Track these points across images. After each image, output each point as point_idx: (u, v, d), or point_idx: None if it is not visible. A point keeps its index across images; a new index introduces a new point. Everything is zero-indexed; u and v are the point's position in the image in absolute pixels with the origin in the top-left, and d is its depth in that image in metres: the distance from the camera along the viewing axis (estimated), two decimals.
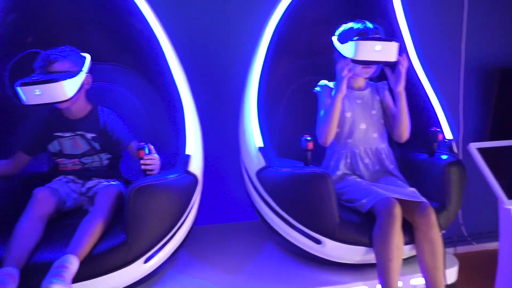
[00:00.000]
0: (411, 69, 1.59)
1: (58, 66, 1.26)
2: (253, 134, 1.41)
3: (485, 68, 2.29)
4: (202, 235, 1.60)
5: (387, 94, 1.51)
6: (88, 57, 1.35)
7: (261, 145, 1.38)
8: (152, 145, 1.25)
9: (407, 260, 1.30)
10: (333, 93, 1.39)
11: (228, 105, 1.76)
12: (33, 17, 1.43)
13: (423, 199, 1.22)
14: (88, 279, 1.07)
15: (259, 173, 1.35)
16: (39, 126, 1.37)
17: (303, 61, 1.77)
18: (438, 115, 1.51)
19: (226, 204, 1.89)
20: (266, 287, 1.24)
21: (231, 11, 1.82)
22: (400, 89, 1.40)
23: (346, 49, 1.36)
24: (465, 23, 2.18)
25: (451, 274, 1.31)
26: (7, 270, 0.98)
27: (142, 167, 1.20)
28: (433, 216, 1.17)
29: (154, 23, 1.46)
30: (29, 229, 1.09)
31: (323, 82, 1.52)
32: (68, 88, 1.20)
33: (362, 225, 1.22)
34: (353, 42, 1.31)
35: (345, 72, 1.35)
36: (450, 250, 2.31)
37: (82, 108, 1.38)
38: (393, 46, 1.30)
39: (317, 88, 1.52)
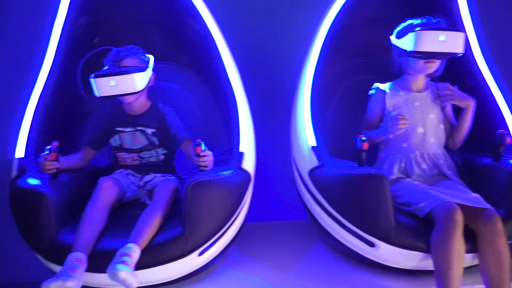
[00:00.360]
0: (475, 68, 1.51)
1: (128, 62, 1.35)
2: (305, 133, 1.41)
3: None
4: (251, 231, 1.62)
5: (450, 107, 1.44)
6: (152, 57, 1.42)
7: (314, 144, 1.37)
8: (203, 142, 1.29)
9: (467, 269, 1.23)
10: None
11: (280, 104, 1.77)
12: (99, 20, 1.53)
13: (488, 206, 1.15)
14: (147, 268, 1.12)
15: (311, 172, 1.34)
16: (102, 121, 1.46)
17: (357, 60, 1.74)
18: (505, 116, 1.41)
19: (275, 202, 1.90)
20: (315, 287, 1.23)
21: (284, 11, 1.84)
22: (467, 105, 1.36)
23: (406, 42, 1.31)
24: None
25: None
26: (76, 255, 1.06)
27: (198, 163, 1.24)
28: (499, 224, 1.10)
29: (211, 24, 1.50)
30: (95, 216, 1.17)
31: (377, 85, 1.48)
32: (138, 81, 1.28)
33: (420, 230, 1.18)
34: (414, 32, 1.26)
35: (395, 128, 1.30)
36: None
37: (143, 104, 1.46)
38: (460, 36, 1.23)
39: (372, 91, 1.49)
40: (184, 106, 1.65)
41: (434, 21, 1.34)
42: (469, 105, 1.36)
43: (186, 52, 1.65)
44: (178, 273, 1.18)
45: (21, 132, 1.34)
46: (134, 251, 1.06)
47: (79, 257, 1.05)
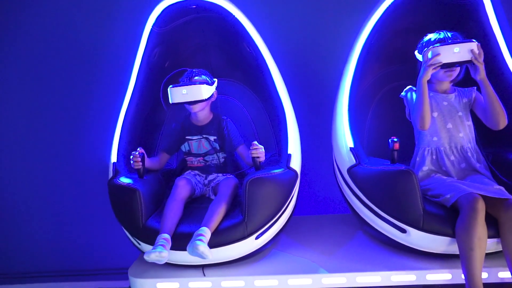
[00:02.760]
0: (505, 68, 1.62)
1: (197, 79, 1.67)
2: (345, 136, 1.62)
3: None
4: (299, 223, 1.86)
5: (476, 93, 1.58)
6: (216, 79, 1.73)
7: (352, 145, 1.59)
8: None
9: (495, 254, 1.38)
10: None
11: (322, 109, 1.99)
12: (169, 48, 1.85)
13: (509, 196, 1.30)
14: (215, 248, 1.40)
15: (349, 170, 1.56)
16: (175, 132, 1.79)
17: (393, 68, 1.90)
18: None
19: (320, 198, 2.12)
20: (356, 267, 1.43)
21: (326, 22, 2.05)
22: (481, 77, 1.43)
23: (426, 57, 1.48)
24: None
25: None
26: (164, 236, 1.37)
27: (252, 154, 1.50)
28: None
29: (261, 45, 1.76)
30: (175, 208, 1.48)
31: (409, 87, 1.66)
32: (204, 92, 1.60)
33: (447, 218, 1.35)
34: (430, 49, 1.44)
35: (429, 63, 1.44)
36: None
37: (207, 116, 1.76)
38: (472, 46, 1.39)
39: (403, 93, 1.66)
40: (239, 116, 1.93)
41: (450, 34, 1.51)
42: (483, 78, 1.43)
43: (240, 70, 1.93)
44: (239, 253, 1.45)
45: (114, 141, 1.70)
46: (207, 233, 1.35)
47: (166, 237, 1.36)
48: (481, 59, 1.41)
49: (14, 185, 2.29)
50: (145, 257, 1.31)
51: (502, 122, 1.47)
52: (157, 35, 1.77)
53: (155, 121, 1.91)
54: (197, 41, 1.93)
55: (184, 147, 1.79)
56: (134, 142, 1.74)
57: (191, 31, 1.86)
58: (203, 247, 1.28)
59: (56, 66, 2.17)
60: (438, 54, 1.42)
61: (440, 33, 1.54)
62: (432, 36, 1.56)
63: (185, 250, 1.37)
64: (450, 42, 1.44)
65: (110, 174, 1.61)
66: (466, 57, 1.40)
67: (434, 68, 1.45)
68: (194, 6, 1.75)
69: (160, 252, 1.29)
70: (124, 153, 1.69)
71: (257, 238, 1.45)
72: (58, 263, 2.34)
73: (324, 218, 1.95)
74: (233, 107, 1.97)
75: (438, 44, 1.45)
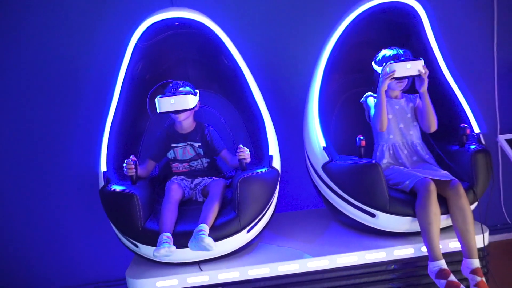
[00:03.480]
0: (442, 77, 1.95)
1: (182, 90, 1.81)
2: (317, 136, 1.84)
3: None
4: (279, 220, 2.02)
5: (418, 100, 1.90)
6: (198, 91, 1.87)
7: (324, 145, 1.81)
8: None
9: (445, 229, 1.66)
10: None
11: (294, 114, 2.20)
12: (151, 61, 1.96)
13: (453, 178, 1.60)
14: None
15: (324, 166, 1.77)
16: (161, 139, 1.90)
17: (352, 76, 2.17)
18: (468, 115, 1.85)
19: (295, 195, 2.33)
20: (335, 251, 1.63)
21: (296, 36, 2.31)
22: (424, 89, 1.76)
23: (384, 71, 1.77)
24: (496, 26, 2.46)
25: (481, 240, 1.63)
26: (166, 234, 1.48)
27: (239, 156, 1.66)
28: (461, 189, 1.55)
29: (238, 57, 1.93)
30: (171, 209, 1.59)
31: (369, 93, 1.93)
32: (190, 101, 1.73)
33: (407, 201, 1.61)
34: (388, 65, 1.74)
35: (386, 76, 1.75)
36: (492, 238, 2.54)
37: (190, 124, 1.90)
38: (419, 63, 1.71)
39: (362, 98, 1.94)
40: (216, 124, 2.08)
41: (401, 51, 1.82)
42: (425, 91, 1.77)
43: (217, 81, 2.09)
44: (234, 246, 1.60)
45: (102, 151, 1.77)
46: (206, 228, 1.48)
47: (168, 235, 1.47)
48: (427, 75, 1.73)
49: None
50: (155, 253, 1.41)
51: (433, 127, 1.81)
52: (141, 49, 1.88)
53: (138, 130, 2.00)
54: (176, 55, 2.06)
55: (170, 154, 1.90)
56: (120, 151, 1.82)
57: (171, 46, 1.99)
58: (208, 239, 1.42)
59: (45, 78, 2.20)
60: (394, 71, 1.73)
61: (393, 49, 1.85)
62: (387, 52, 1.86)
63: (184, 247, 1.50)
64: (403, 60, 1.76)
65: (102, 183, 1.68)
66: (416, 72, 1.73)
67: (390, 80, 1.75)
68: (176, 23, 1.88)
69: (169, 247, 1.41)
70: (113, 162, 1.77)
71: (248, 231, 1.61)
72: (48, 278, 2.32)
73: (300, 214, 2.16)
74: (211, 116, 2.12)
75: (393, 61, 1.74)
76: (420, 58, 1.74)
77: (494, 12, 2.44)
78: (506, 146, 1.99)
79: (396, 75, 1.73)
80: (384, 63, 1.78)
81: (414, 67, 1.72)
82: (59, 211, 2.29)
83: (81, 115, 2.21)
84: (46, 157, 2.24)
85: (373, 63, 1.91)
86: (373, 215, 1.65)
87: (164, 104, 1.71)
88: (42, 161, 2.24)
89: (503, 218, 2.60)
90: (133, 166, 1.63)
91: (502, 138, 1.98)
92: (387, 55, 1.85)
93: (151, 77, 2.00)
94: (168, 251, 1.41)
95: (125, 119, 1.87)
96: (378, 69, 1.86)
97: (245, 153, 1.66)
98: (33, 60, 2.18)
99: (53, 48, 2.17)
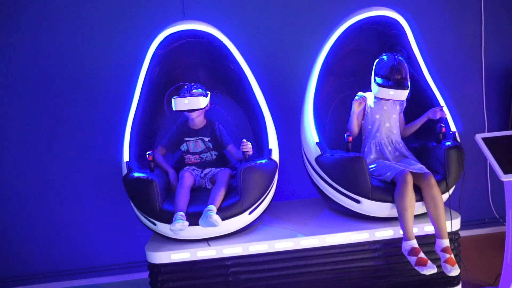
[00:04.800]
0: (423, 82, 2.19)
1: (195, 92, 2.06)
2: (311, 133, 2.10)
3: (504, 69, 2.77)
4: (277, 207, 2.29)
5: (402, 113, 2.18)
6: (209, 92, 2.13)
7: (318, 140, 2.07)
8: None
9: (421, 216, 1.91)
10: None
11: (292, 112, 2.46)
12: (167, 66, 2.24)
13: (427, 170, 1.85)
14: None
15: (317, 159, 2.03)
16: (176, 133, 2.18)
17: (345, 80, 2.43)
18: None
19: (291, 186, 2.60)
20: (324, 231, 1.87)
21: (294, 42, 2.59)
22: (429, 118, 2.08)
23: (373, 86, 2.06)
24: (483, 31, 2.68)
25: (455, 224, 1.88)
26: (180, 213, 1.75)
27: (243, 149, 1.92)
28: (432, 180, 1.79)
29: (242, 62, 2.19)
30: (184, 193, 1.87)
31: (360, 93, 2.15)
32: (202, 102, 2.00)
33: (388, 189, 1.86)
34: (376, 87, 2.01)
35: (356, 108, 2.08)
36: (483, 230, 2.77)
37: (202, 121, 2.17)
38: (405, 93, 1.98)
39: (356, 98, 2.16)
40: (223, 121, 2.34)
41: (401, 59, 2.03)
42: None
43: (224, 83, 2.36)
44: (237, 225, 1.86)
45: (124, 144, 2.04)
46: (214, 209, 1.75)
47: (182, 214, 1.75)
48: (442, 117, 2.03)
49: (37, 184, 2.57)
50: (171, 227, 1.69)
51: (406, 136, 2.18)
52: (158, 56, 2.16)
53: (155, 126, 2.29)
54: (188, 61, 2.33)
55: (183, 147, 2.18)
56: (140, 143, 2.10)
57: (184, 52, 2.26)
58: (215, 216, 1.69)
59: (77, 83, 2.52)
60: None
61: (389, 58, 2.04)
62: (384, 56, 2.08)
63: (195, 225, 1.77)
64: (389, 85, 2.01)
65: (125, 171, 1.96)
66: (398, 98, 2.05)
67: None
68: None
69: (183, 222, 1.68)
70: (134, 153, 2.04)
71: (250, 213, 1.87)
72: (71, 262, 2.63)
73: (296, 202, 2.43)
74: (219, 114, 2.39)
75: (380, 82, 2.03)
76: (407, 87, 2.01)
77: (482, 17, 2.66)
78: (482, 144, 2.20)
79: (380, 96, 2.04)
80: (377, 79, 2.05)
81: (398, 95, 2.01)
82: (82, 197, 2.59)
83: (105, 113, 2.52)
84: (75, 149, 2.55)
85: (373, 71, 2.11)
86: (358, 201, 1.91)
87: (179, 103, 1.99)
88: (72, 152, 2.55)
89: (491, 213, 2.82)
90: (152, 156, 1.91)
91: (479, 137, 2.19)
92: (385, 59, 2.06)
93: (166, 80, 2.27)
94: (182, 225, 1.68)
95: (144, 116, 2.15)
96: (373, 81, 2.08)
97: (248, 146, 1.93)
98: (69, 67, 2.50)
99: (83, 57, 2.49)
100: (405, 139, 2.18)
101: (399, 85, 1.98)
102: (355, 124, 2.13)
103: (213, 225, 1.69)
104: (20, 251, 2.59)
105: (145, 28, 2.40)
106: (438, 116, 2.02)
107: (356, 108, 2.08)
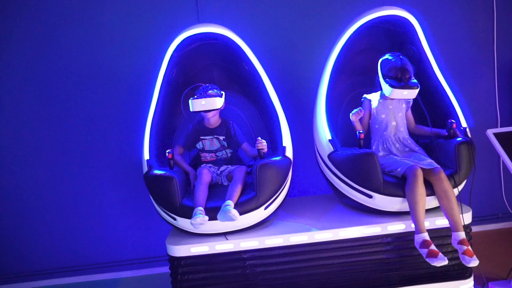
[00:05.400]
0: (434, 79, 2.23)
1: (211, 92, 2.14)
2: (324, 131, 2.16)
3: None
4: (291, 202, 2.36)
5: (409, 110, 2.22)
6: (223, 92, 2.20)
7: (330, 137, 2.13)
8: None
9: (434, 210, 1.95)
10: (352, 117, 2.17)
11: (305, 111, 2.53)
12: (183, 68, 2.33)
13: (436, 165, 1.89)
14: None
15: (329, 155, 2.09)
16: (192, 132, 2.26)
17: (357, 78, 2.48)
18: (457, 110, 2.13)
19: (306, 182, 2.66)
20: (338, 225, 1.94)
21: (307, 43, 2.65)
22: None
23: (385, 88, 2.08)
24: (495, 27, 2.70)
25: (467, 218, 1.92)
26: (200, 208, 1.83)
27: (257, 146, 2.00)
28: (442, 174, 1.84)
29: (256, 63, 2.26)
30: (203, 189, 1.95)
31: (365, 95, 2.23)
32: (218, 102, 2.08)
33: (399, 184, 1.91)
34: (389, 88, 2.03)
35: (353, 118, 2.14)
36: (495, 226, 2.80)
37: (217, 121, 2.25)
38: (416, 91, 2.01)
39: (362, 99, 2.24)
40: (238, 120, 2.43)
41: (401, 57, 2.08)
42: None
43: (239, 84, 2.44)
44: (254, 220, 1.94)
45: (144, 143, 2.14)
46: (231, 204, 1.83)
47: (201, 209, 1.83)
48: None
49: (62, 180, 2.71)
50: (192, 221, 1.77)
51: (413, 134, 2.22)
52: (176, 58, 2.25)
53: (172, 125, 2.38)
54: (203, 62, 2.42)
55: (199, 145, 2.27)
56: (159, 142, 2.19)
57: (199, 54, 2.35)
58: (233, 211, 1.77)
59: (100, 85, 2.64)
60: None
61: (394, 57, 2.08)
62: (388, 56, 2.12)
63: (213, 220, 1.85)
64: (401, 85, 2.03)
65: (145, 169, 2.05)
66: (410, 97, 2.07)
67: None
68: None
69: (203, 217, 1.77)
70: (154, 151, 2.14)
71: (265, 208, 1.95)
72: (90, 257, 2.76)
73: (309, 198, 2.49)
74: (233, 113, 2.47)
75: (390, 81, 2.06)
76: (417, 85, 2.04)
77: (494, 11, 2.68)
78: (493, 139, 2.23)
79: (392, 97, 2.07)
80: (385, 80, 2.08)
81: (410, 94, 2.04)
82: (103, 195, 2.71)
83: (125, 113, 2.63)
84: (95, 147, 2.67)
85: (379, 69, 2.15)
86: (370, 196, 1.96)
87: (196, 104, 2.07)
88: (92, 151, 2.67)
89: (504, 208, 2.84)
90: (171, 155, 2.00)
91: (490, 132, 2.22)
92: (389, 58, 2.10)
93: (183, 81, 2.36)
94: (202, 220, 1.77)
95: (162, 116, 2.24)
96: (382, 81, 2.12)
97: (263, 144, 2.00)
98: (94, 69, 2.62)
99: (106, 59, 2.62)
100: (415, 136, 2.22)
101: (411, 85, 2.02)
102: (360, 128, 2.17)
103: (231, 219, 1.77)
104: (45, 246, 2.73)
105: (162, 31, 2.50)
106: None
107: (354, 119, 2.14)
